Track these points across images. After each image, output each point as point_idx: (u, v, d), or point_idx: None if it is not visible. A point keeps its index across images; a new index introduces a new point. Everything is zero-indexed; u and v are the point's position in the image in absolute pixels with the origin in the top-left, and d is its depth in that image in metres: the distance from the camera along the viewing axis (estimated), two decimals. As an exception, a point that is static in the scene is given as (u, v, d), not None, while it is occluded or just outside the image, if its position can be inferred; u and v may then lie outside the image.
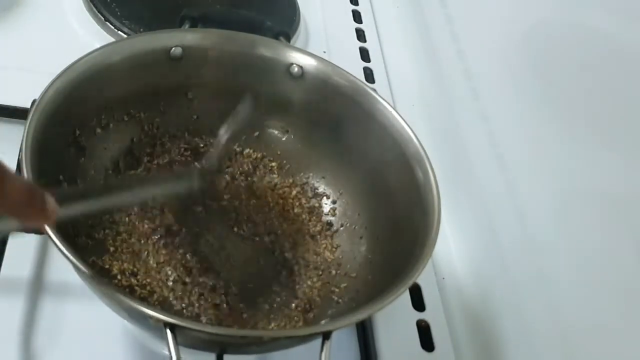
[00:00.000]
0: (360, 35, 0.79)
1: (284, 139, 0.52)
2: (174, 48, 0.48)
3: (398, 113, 0.48)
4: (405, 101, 0.72)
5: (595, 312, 0.43)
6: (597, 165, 0.44)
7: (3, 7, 0.63)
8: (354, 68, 0.71)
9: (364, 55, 0.76)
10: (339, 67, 0.51)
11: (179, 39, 0.49)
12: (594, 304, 0.43)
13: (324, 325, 0.39)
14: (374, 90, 0.49)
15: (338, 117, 0.50)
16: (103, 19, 0.64)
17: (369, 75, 0.73)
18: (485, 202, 0.58)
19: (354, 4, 0.83)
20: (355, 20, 0.81)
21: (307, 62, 0.51)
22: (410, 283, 0.37)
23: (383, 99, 0.49)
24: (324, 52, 0.72)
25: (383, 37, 0.80)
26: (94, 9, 0.64)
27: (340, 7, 0.82)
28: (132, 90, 0.48)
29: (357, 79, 0.50)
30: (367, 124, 0.48)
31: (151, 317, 0.32)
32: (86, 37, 0.63)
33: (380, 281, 0.43)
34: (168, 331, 0.32)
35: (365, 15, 0.82)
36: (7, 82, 0.55)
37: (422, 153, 0.45)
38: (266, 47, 0.51)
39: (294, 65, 0.50)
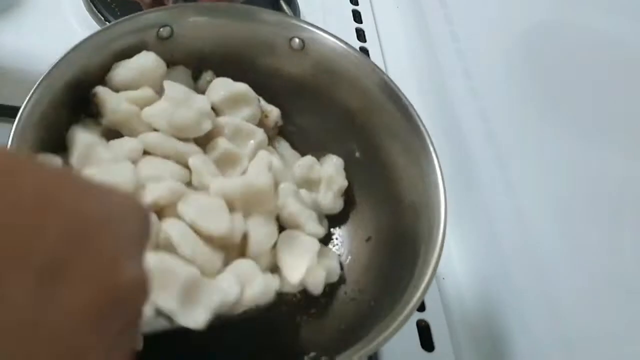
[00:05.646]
0: (360, 35, 0.79)
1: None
2: (161, 28, 0.46)
3: (395, 85, 0.47)
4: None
5: (595, 311, 0.43)
6: (597, 165, 0.44)
7: (3, 7, 0.63)
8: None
9: (364, 55, 0.76)
10: (341, 40, 0.49)
11: (165, 18, 0.46)
12: (594, 304, 0.43)
13: None
14: (375, 65, 0.49)
15: (339, 89, 0.49)
16: (103, 19, 0.64)
17: (369, 75, 0.73)
18: (486, 202, 0.58)
19: (354, 4, 0.83)
20: (355, 20, 0.81)
21: (308, 34, 0.48)
22: (412, 307, 0.37)
23: (384, 72, 0.48)
24: (324, 52, 0.72)
25: (383, 37, 0.80)
26: (94, 9, 0.64)
27: (340, 7, 0.82)
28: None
29: (358, 52, 0.49)
30: (368, 96, 0.48)
31: None
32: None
33: (382, 299, 0.42)
34: None
35: (365, 15, 0.82)
36: (7, 81, 0.55)
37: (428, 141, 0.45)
38: (263, 18, 0.48)
39: (295, 37, 0.48)
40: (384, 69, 0.75)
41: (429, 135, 0.45)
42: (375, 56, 0.76)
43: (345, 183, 0.48)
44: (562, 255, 0.46)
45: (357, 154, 0.50)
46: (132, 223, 0.23)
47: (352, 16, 0.81)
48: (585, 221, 0.44)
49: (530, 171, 0.52)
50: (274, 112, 0.49)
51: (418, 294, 0.38)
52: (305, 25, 0.49)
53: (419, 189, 0.44)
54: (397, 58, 0.78)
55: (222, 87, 0.47)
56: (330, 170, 0.48)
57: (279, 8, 0.64)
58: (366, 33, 0.79)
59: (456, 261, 0.59)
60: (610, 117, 0.43)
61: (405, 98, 0.47)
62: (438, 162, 0.43)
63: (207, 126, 0.44)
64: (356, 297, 0.45)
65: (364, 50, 0.76)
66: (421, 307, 0.53)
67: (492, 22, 0.62)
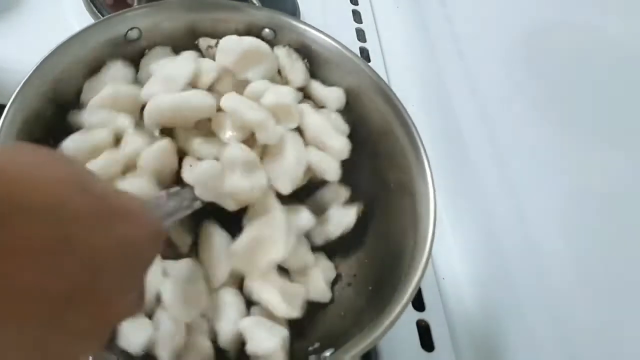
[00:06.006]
0: (360, 35, 0.79)
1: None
2: (129, 31, 0.45)
3: (367, 65, 0.48)
4: (405, 101, 0.71)
5: (594, 311, 0.43)
6: (597, 165, 0.44)
7: (3, 7, 0.63)
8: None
9: (364, 55, 0.76)
10: (311, 25, 0.49)
11: (132, 21, 0.46)
12: (594, 304, 0.43)
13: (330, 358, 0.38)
14: (345, 46, 0.49)
15: (316, 72, 0.49)
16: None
17: (369, 75, 0.73)
18: (486, 202, 0.58)
19: (354, 4, 0.83)
20: (355, 20, 0.81)
21: (278, 23, 0.48)
22: (409, 295, 0.38)
23: (352, 53, 0.48)
24: (324, 52, 0.72)
25: (383, 37, 0.80)
26: (94, 9, 0.64)
27: (340, 7, 0.82)
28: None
29: (328, 36, 0.49)
30: (344, 75, 0.48)
31: None
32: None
33: (380, 283, 0.43)
34: None
35: (365, 15, 0.82)
36: (7, 81, 0.55)
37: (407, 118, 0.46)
38: (230, 11, 0.48)
39: (266, 28, 0.48)
40: (384, 69, 0.75)
41: (405, 111, 0.46)
42: (375, 56, 0.76)
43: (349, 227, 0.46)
44: (563, 255, 0.46)
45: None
46: (144, 254, 0.26)
47: (352, 16, 0.81)
48: (585, 221, 0.44)
49: (531, 171, 0.52)
50: (297, 78, 0.48)
51: (416, 277, 0.38)
52: (274, 15, 0.49)
53: (403, 170, 0.45)
54: (397, 58, 0.78)
55: (230, 47, 0.45)
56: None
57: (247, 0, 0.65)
58: (366, 33, 0.79)
59: (456, 261, 0.59)
60: (610, 117, 0.43)
61: (379, 76, 0.47)
62: (421, 143, 0.44)
63: (208, 78, 0.44)
64: (351, 282, 0.46)
65: (364, 50, 0.76)
66: (421, 307, 0.53)
67: (492, 22, 0.62)
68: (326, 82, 0.49)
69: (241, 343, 0.40)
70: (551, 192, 0.49)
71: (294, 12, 0.73)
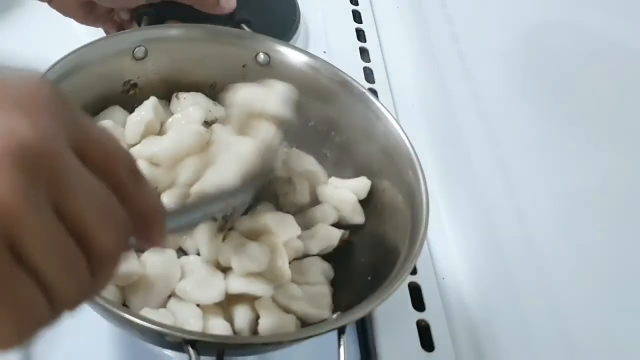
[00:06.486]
0: (360, 35, 0.79)
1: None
2: (136, 48, 0.48)
3: (357, 82, 0.49)
4: (405, 101, 0.72)
5: (595, 311, 0.43)
6: (597, 165, 0.44)
7: (3, 7, 0.63)
8: (354, 68, 0.71)
9: (364, 55, 0.76)
10: (304, 51, 0.50)
11: (140, 38, 0.48)
12: (594, 304, 0.43)
13: (337, 320, 0.39)
14: (340, 69, 0.50)
15: (308, 99, 0.50)
16: (103, 19, 0.64)
17: (369, 75, 0.73)
18: (486, 202, 0.58)
19: (354, 4, 0.83)
20: (355, 20, 0.81)
21: (272, 48, 0.51)
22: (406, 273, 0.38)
23: (347, 74, 0.49)
24: (324, 52, 0.72)
25: (383, 37, 0.80)
26: (94, 9, 0.64)
27: (340, 7, 0.82)
28: (102, 94, 0.48)
29: (320, 59, 0.50)
30: (335, 98, 0.50)
31: (168, 334, 0.33)
32: (85, 38, 0.62)
33: (378, 273, 0.43)
34: (190, 348, 0.32)
35: (365, 15, 0.82)
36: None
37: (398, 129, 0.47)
38: (228, 37, 0.51)
39: (260, 53, 0.50)
40: (384, 69, 0.75)
41: (402, 130, 0.47)
42: (375, 57, 0.76)
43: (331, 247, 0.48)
44: (563, 255, 0.46)
45: (328, 154, 0.51)
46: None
47: (352, 16, 0.81)
48: (586, 222, 0.44)
49: (531, 171, 0.52)
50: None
51: (409, 263, 0.39)
52: (268, 40, 0.51)
53: (395, 164, 0.46)
54: (397, 58, 0.78)
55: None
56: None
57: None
58: (366, 33, 0.79)
59: (456, 261, 0.59)
60: (610, 117, 0.43)
61: (368, 92, 0.49)
62: (409, 142, 0.46)
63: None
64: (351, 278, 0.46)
65: (364, 50, 0.76)
66: (421, 307, 0.53)
67: (492, 22, 0.62)
68: (318, 101, 0.50)
69: (255, 325, 0.41)
70: (551, 192, 0.49)
71: (294, 12, 0.73)
